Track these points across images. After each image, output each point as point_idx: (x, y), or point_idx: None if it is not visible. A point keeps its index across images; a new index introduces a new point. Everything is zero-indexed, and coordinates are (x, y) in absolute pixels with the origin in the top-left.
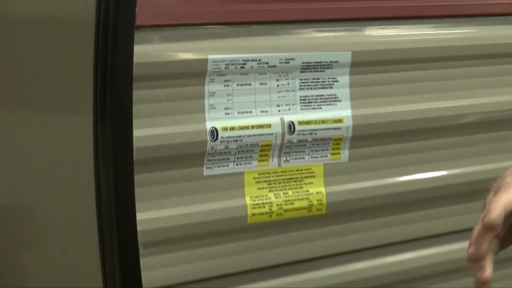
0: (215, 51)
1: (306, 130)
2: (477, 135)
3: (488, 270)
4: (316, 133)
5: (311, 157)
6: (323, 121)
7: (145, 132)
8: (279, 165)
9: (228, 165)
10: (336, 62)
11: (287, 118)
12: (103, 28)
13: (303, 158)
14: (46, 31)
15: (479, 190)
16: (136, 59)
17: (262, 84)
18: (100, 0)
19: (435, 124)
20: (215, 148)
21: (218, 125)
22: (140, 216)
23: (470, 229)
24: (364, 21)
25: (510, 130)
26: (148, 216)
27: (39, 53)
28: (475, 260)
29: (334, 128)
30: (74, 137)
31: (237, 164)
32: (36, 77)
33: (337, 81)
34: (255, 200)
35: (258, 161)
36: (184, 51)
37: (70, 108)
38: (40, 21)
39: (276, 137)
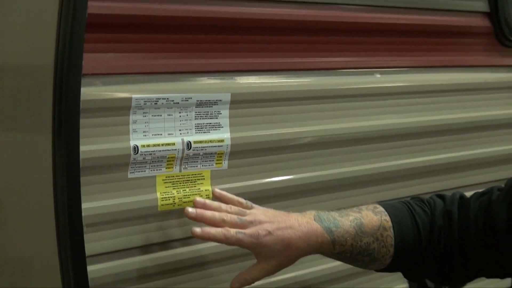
0: (137, 92)
1: (199, 147)
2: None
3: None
4: (205, 149)
5: (202, 166)
6: (210, 141)
7: (88, 147)
8: (180, 170)
9: (145, 171)
10: (220, 100)
11: (186, 138)
12: (59, 75)
13: (197, 166)
14: (17, 77)
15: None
16: (82, 97)
17: (169, 115)
18: (56, 55)
19: (287, 143)
20: (136, 159)
21: (139, 143)
22: (85, 205)
23: None
24: (239, 72)
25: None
26: (90, 205)
27: (11, 92)
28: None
29: (218, 146)
30: (37, 152)
31: (151, 170)
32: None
33: (221, 113)
34: (163, 195)
35: (166, 168)
36: (116, 92)
37: (34, 131)
38: (10, 69)
39: (178, 151)
